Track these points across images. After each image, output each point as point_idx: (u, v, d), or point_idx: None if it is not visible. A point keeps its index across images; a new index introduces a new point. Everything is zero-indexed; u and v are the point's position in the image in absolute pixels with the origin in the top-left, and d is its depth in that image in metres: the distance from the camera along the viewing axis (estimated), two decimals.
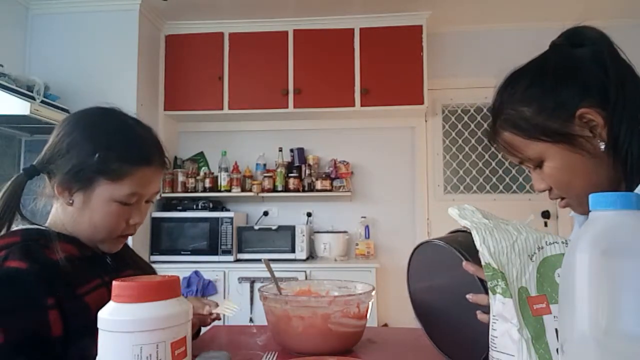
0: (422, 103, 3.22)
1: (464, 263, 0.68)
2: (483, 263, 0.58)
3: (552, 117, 0.75)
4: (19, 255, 0.80)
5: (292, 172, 3.37)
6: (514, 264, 0.57)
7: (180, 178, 3.38)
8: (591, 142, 0.74)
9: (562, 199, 0.80)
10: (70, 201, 0.88)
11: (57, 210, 0.92)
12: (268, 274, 1.13)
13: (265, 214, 3.56)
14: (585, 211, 0.81)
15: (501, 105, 0.82)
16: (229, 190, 3.35)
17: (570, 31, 0.82)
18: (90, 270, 0.89)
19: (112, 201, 0.88)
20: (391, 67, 3.24)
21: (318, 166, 3.47)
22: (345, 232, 3.33)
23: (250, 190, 3.35)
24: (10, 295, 0.77)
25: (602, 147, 0.73)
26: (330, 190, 3.33)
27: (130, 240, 1.02)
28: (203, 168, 3.56)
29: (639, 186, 0.71)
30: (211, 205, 3.36)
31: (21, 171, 0.89)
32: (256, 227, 3.23)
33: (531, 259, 0.57)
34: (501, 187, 3.52)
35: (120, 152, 0.89)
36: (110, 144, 0.89)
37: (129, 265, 1.02)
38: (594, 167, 0.75)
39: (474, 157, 3.56)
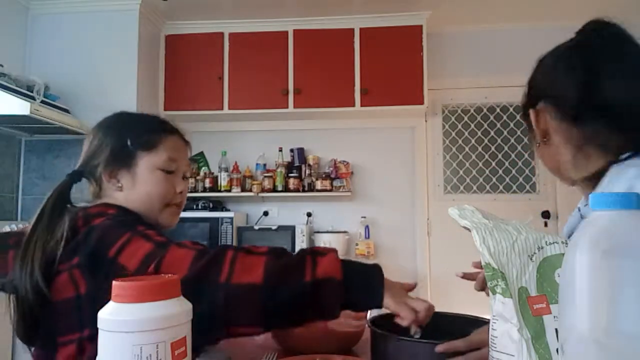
0: (422, 103, 3.22)
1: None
2: (483, 263, 0.59)
3: None
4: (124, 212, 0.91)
5: (292, 172, 3.37)
6: (514, 264, 0.57)
7: None
8: None
9: None
10: (120, 185, 0.95)
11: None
12: None
13: (265, 214, 3.56)
14: None
15: None
16: (229, 190, 3.35)
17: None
18: None
19: (156, 169, 0.96)
20: (391, 67, 3.24)
21: (318, 166, 3.47)
22: (345, 232, 3.33)
23: (250, 190, 3.35)
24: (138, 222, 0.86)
25: None
26: (330, 190, 3.33)
27: None
28: (203, 168, 3.56)
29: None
30: (211, 205, 3.35)
31: (65, 177, 0.93)
32: (256, 227, 3.23)
33: (531, 259, 0.57)
34: (501, 187, 3.52)
35: (146, 127, 1.00)
36: (134, 126, 1.00)
37: None
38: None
39: (474, 157, 3.55)
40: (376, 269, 0.79)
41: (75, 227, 0.83)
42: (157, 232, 0.82)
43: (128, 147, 0.95)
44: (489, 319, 0.59)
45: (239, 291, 0.70)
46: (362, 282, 0.77)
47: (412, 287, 0.84)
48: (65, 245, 0.81)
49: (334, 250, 0.78)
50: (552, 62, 0.83)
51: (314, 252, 0.77)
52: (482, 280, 0.86)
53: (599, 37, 0.81)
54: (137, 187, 0.95)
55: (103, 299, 0.72)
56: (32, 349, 0.85)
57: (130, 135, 0.96)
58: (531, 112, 0.81)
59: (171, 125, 1.03)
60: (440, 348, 0.70)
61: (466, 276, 0.91)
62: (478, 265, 0.89)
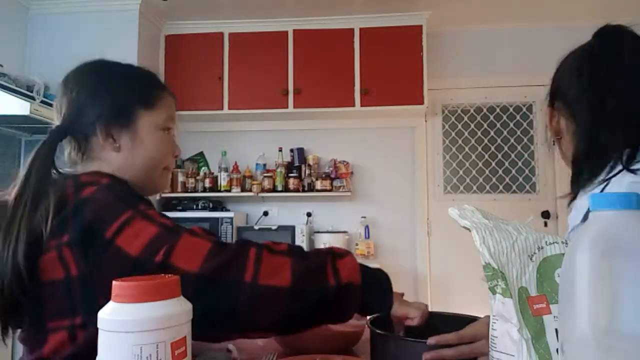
0: (422, 103, 3.22)
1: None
2: (483, 263, 0.59)
3: None
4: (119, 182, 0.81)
5: (292, 172, 3.38)
6: (514, 264, 0.57)
7: (180, 178, 3.38)
8: None
9: None
10: (117, 145, 0.85)
11: (103, 168, 0.85)
12: None
13: (265, 214, 3.56)
14: None
15: None
16: (229, 190, 3.35)
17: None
18: None
19: (156, 129, 0.89)
20: (391, 67, 3.24)
21: (318, 166, 3.47)
22: (345, 232, 3.33)
23: (250, 190, 3.35)
24: (136, 198, 0.77)
25: None
26: (330, 190, 3.33)
27: None
28: (203, 168, 3.56)
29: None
30: (211, 205, 3.36)
31: (49, 134, 0.81)
32: (256, 227, 3.23)
33: (531, 259, 0.57)
34: (501, 187, 3.52)
35: (143, 81, 0.91)
36: (129, 79, 0.90)
37: None
38: None
39: (474, 157, 3.55)
40: (386, 275, 0.81)
41: (64, 196, 0.73)
42: (160, 214, 0.74)
43: (127, 102, 0.86)
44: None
45: (266, 292, 0.67)
46: (377, 287, 0.78)
47: (402, 295, 0.87)
48: (53, 218, 0.71)
49: (350, 253, 0.79)
50: (566, 65, 0.87)
51: (334, 254, 0.76)
52: None
53: (606, 45, 0.85)
54: (137, 148, 0.86)
55: (96, 283, 0.68)
56: (19, 331, 0.76)
57: (126, 89, 0.87)
58: (545, 110, 0.86)
59: (161, 80, 0.96)
60: (431, 341, 0.72)
61: None
62: None
